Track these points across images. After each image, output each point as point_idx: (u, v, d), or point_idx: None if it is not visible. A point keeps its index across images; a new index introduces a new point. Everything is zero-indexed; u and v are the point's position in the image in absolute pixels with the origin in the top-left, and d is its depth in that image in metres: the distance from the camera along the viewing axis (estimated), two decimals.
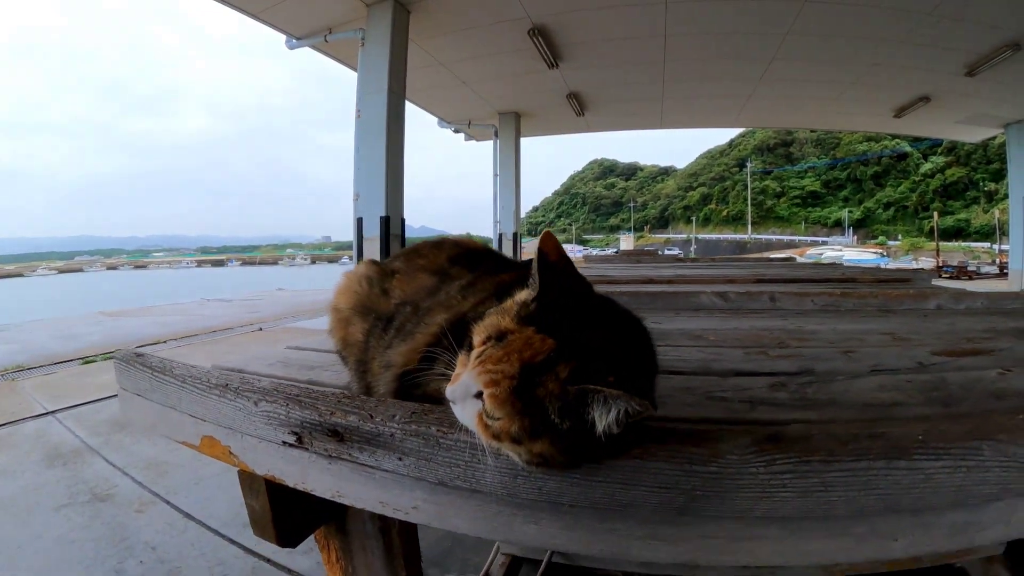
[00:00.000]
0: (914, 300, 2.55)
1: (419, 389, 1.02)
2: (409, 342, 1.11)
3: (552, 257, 0.86)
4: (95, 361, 7.56)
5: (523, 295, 0.87)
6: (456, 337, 0.96)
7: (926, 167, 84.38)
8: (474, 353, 0.81)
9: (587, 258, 9.26)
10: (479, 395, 0.77)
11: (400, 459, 0.87)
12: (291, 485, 1.00)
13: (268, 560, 2.82)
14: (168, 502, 3.44)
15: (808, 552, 0.76)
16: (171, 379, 1.16)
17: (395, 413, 0.89)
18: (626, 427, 0.72)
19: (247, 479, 1.15)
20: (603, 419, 0.72)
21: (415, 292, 1.27)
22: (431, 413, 0.89)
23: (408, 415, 0.89)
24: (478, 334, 0.83)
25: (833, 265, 6.15)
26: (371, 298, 1.32)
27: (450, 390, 0.80)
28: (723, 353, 1.58)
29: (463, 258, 1.34)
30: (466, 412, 0.80)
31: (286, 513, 1.16)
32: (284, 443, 0.98)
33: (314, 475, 0.96)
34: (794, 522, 0.75)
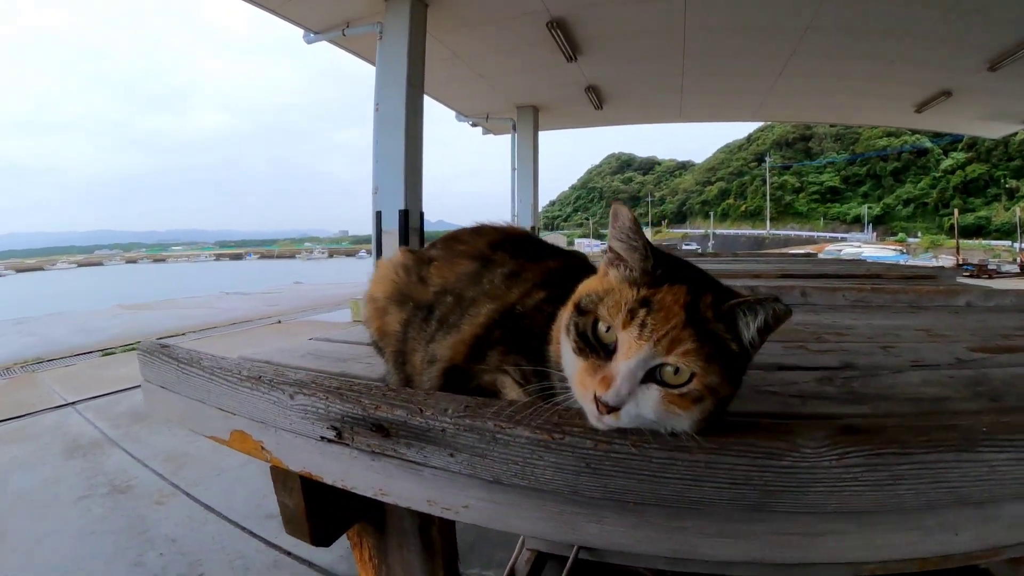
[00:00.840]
0: (944, 297, 2.54)
1: (472, 382, 0.98)
2: (454, 334, 1.07)
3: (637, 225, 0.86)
4: (114, 353, 7.61)
5: (619, 273, 0.85)
6: (505, 329, 0.93)
7: (946, 163, 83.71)
8: (626, 335, 0.76)
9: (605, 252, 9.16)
10: (651, 376, 0.75)
11: (452, 455, 0.82)
12: (330, 483, 0.95)
13: (289, 553, 2.80)
14: (188, 494, 3.44)
15: (879, 547, 0.74)
16: (199, 371, 1.11)
17: (447, 407, 0.83)
18: (766, 336, 0.82)
19: (281, 476, 1.10)
20: (751, 328, 0.79)
21: (456, 280, 1.20)
22: (487, 407, 0.83)
23: (462, 409, 0.83)
24: (603, 321, 0.80)
25: (857, 261, 6.10)
26: (408, 287, 1.25)
27: (610, 395, 0.74)
28: (762, 347, 1.55)
29: (504, 244, 1.26)
30: (643, 406, 0.75)
31: (321, 511, 1.12)
32: (323, 438, 0.93)
33: (356, 472, 0.91)
34: (865, 516, 0.73)
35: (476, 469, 0.80)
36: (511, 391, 0.93)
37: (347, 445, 0.90)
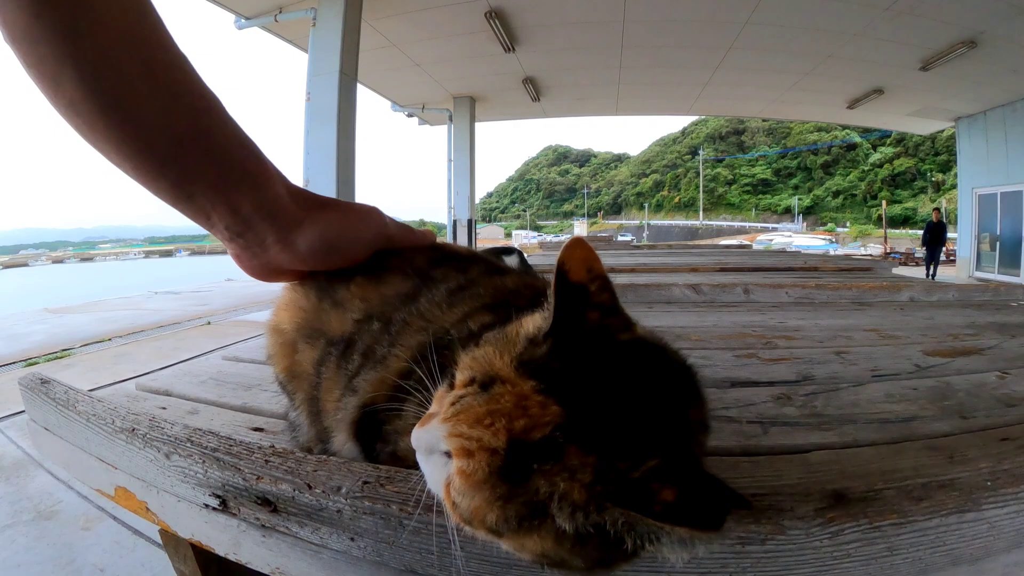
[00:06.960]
0: (887, 292, 2.53)
1: (388, 447, 0.72)
2: (379, 370, 0.76)
3: (577, 276, 0.55)
4: (38, 363, 7.24)
5: (533, 324, 0.56)
6: (440, 362, 0.65)
7: (875, 157, 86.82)
8: (451, 396, 0.54)
9: (543, 244, 9.27)
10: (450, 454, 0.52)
11: (352, 540, 0.65)
12: (221, 554, 0.78)
13: None
14: (115, 517, 3.23)
15: None
16: (76, 416, 0.94)
17: (340, 485, 0.65)
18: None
19: (171, 540, 0.94)
20: (642, 546, 0.44)
21: (384, 301, 0.86)
22: (389, 485, 0.65)
23: (359, 486, 0.64)
24: (463, 368, 0.56)
25: (794, 253, 6.15)
26: (320, 315, 0.90)
27: (415, 435, 0.54)
28: (712, 357, 1.44)
29: (448, 260, 0.94)
30: (432, 472, 0.54)
31: None
32: (206, 506, 0.75)
33: (248, 546, 0.74)
34: None
35: (384, 557, 0.61)
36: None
37: (234, 516, 0.73)
